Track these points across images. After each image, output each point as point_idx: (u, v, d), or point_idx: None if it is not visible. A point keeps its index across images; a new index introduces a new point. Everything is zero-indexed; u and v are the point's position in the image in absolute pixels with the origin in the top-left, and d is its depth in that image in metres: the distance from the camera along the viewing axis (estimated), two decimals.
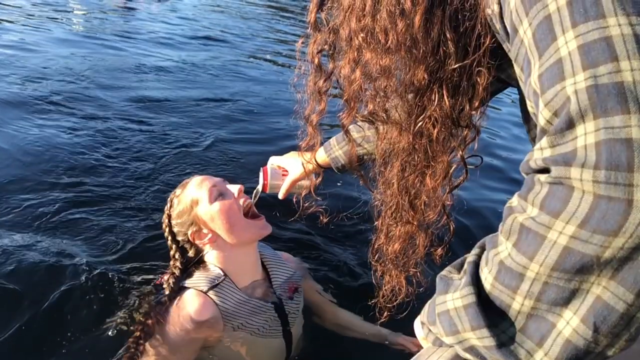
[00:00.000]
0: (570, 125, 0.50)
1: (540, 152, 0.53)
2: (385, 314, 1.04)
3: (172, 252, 1.52)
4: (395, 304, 1.03)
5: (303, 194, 1.43)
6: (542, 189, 0.53)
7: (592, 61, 0.48)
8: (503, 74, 0.78)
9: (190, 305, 1.39)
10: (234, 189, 1.52)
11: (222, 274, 1.46)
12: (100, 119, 3.20)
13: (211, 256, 1.50)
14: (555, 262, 0.50)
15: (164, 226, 1.53)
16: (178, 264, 1.48)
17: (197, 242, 1.49)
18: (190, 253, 1.52)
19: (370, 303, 1.07)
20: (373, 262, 1.01)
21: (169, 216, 1.51)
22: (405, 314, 1.13)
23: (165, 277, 1.49)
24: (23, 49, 4.39)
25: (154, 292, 1.50)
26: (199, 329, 1.38)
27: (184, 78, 4.44)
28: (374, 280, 1.05)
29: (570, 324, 0.52)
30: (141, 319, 1.41)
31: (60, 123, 3.04)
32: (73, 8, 6.77)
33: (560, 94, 0.51)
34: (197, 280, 1.45)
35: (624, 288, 0.48)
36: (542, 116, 0.53)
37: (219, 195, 1.47)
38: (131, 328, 1.45)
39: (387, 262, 0.99)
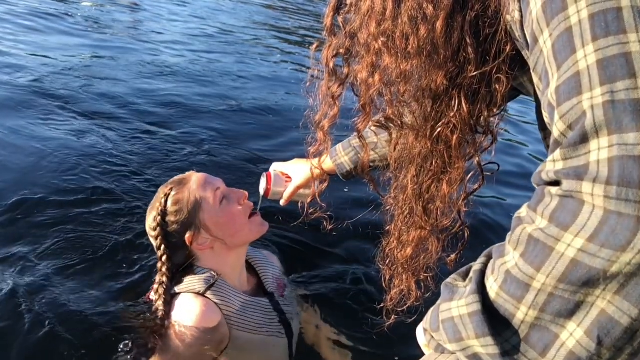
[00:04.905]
0: (584, 139, 0.50)
1: (552, 164, 0.53)
2: (393, 317, 1.04)
3: (159, 254, 1.38)
4: (405, 308, 1.03)
5: (306, 202, 1.42)
6: (552, 201, 0.53)
7: (610, 76, 0.48)
8: (515, 82, 0.78)
9: (190, 311, 1.30)
10: (239, 194, 1.46)
11: (214, 273, 1.39)
12: (103, 118, 3.16)
13: (202, 260, 1.42)
14: (562, 274, 0.51)
15: (154, 224, 1.38)
16: (165, 269, 1.37)
17: (193, 246, 1.39)
18: (180, 256, 1.41)
19: (377, 306, 1.07)
20: (382, 266, 1.01)
21: (163, 214, 1.38)
22: (413, 318, 1.12)
23: (155, 286, 1.37)
24: (27, 46, 4.35)
25: (146, 309, 1.40)
26: (206, 336, 1.30)
27: (190, 77, 4.35)
28: (384, 284, 1.04)
29: (574, 335, 0.52)
30: (137, 340, 1.34)
31: (61, 121, 3.01)
32: (81, 1, 6.70)
33: (577, 107, 0.51)
34: (189, 283, 1.36)
35: (629, 303, 0.49)
36: (556, 128, 0.53)
37: (223, 198, 1.41)
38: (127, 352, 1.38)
39: (397, 266, 0.99)
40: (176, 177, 1.46)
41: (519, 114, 4.62)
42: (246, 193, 1.47)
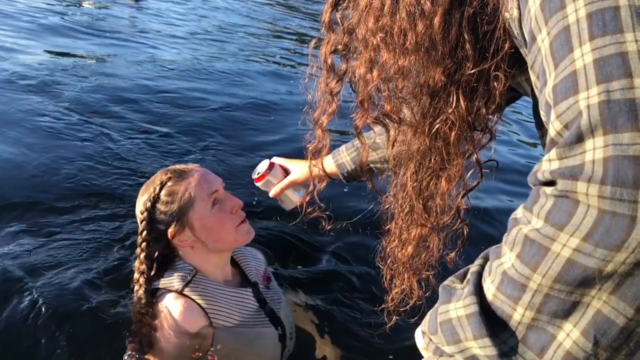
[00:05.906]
0: (579, 139, 0.49)
1: (548, 164, 0.53)
2: (394, 318, 1.03)
3: (139, 240, 1.36)
4: (407, 308, 1.02)
5: (288, 208, 1.41)
6: (547, 201, 0.53)
7: (606, 76, 0.48)
8: (513, 81, 0.77)
9: (170, 312, 1.30)
10: (234, 202, 1.43)
11: (192, 268, 1.39)
12: (102, 117, 3.17)
13: (183, 255, 1.41)
14: (558, 274, 0.50)
15: (142, 208, 1.36)
16: (143, 257, 1.35)
17: (174, 240, 1.38)
18: (161, 246, 1.40)
19: (377, 308, 1.06)
20: (382, 266, 1.01)
21: (154, 200, 1.36)
22: (415, 318, 1.12)
23: (135, 275, 1.36)
24: (26, 46, 4.35)
25: (129, 302, 1.40)
26: (187, 337, 1.30)
27: (190, 76, 4.34)
28: (385, 284, 1.03)
29: (570, 336, 0.52)
30: (123, 333, 1.34)
31: (60, 121, 3.01)
32: (81, 1, 6.68)
33: (573, 107, 0.50)
34: (168, 279, 1.36)
35: (624, 303, 0.48)
36: (552, 127, 0.53)
37: (217, 202, 1.39)
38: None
39: (398, 265, 0.99)
40: (178, 167, 1.44)
41: (529, 115, 4.61)
42: (241, 203, 1.44)
